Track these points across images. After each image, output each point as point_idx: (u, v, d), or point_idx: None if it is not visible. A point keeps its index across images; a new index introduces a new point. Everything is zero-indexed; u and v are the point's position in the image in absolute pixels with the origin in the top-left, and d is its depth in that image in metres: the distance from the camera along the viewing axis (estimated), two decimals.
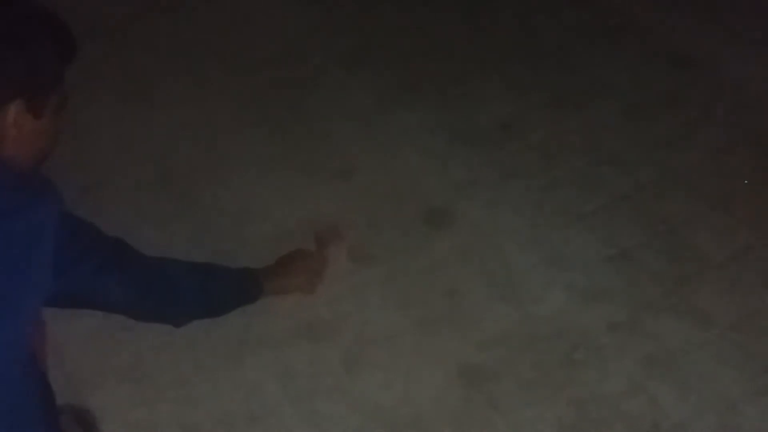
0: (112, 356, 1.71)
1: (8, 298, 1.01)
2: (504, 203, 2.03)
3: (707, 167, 2.11)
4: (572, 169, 2.11)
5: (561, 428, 1.59)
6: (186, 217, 2.00)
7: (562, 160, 2.14)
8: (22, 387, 1.08)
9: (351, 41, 2.57)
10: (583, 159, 2.14)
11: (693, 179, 2.07)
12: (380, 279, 1.86)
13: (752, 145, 2.17)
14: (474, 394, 1.65)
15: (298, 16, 2.68)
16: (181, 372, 1.69)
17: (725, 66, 2.41)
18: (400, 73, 2.43)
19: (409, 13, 2.68)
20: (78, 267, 1.17)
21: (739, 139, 2.19)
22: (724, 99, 2.31)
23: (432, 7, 2.71)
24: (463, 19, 2.65)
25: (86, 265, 1.19)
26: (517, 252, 1.92)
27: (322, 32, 2.61)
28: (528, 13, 2.66)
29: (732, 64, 2.42)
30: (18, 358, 1.06)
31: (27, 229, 1.01)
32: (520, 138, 2.21)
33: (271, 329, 1.76)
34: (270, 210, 2.02)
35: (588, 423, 1.59)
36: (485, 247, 1.93)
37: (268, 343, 1.74)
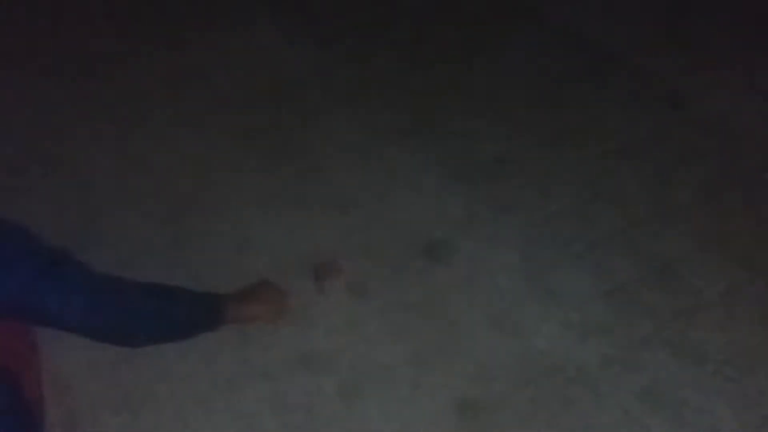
0: (109, 388, 1.70)
1: None
2: (499, 238, 2.05)
3: (699, 204, 2.14)
4: (567, 205, 2.14)
5: None
6: (184, 251, 2.01)
7: (557, 196, 2.17)
8: None
9: (348, 78, 2.61)
10: (577, 195, 2.17)
11: (685, 216, 2.11)
12: (377, 311, 1.87)
13: (742, 181, 2.21)
14: (470, 426, 1.65)
15: (296, 53, 2.73)
16: (179, 404, 1.68)
17: (713, 102, 2.47)
18: (395, 110, 2.47)
19: (405, 51, 2.73)
20: (13, 272, 1.14)
21: (730, 175, 2.23)
22: (714, 135, 2.35)
23: (427, 46, 2.76)
24: (458, 59, 2.70)
25: (21, 271, 1.15)
26: (513, 287, 1.93)
27: (320, 68, 2.65)
28: (518, 55, 2.71)
29: (719, 101, 2.48)
30: None
31: None
32: (514, 174, 2.24)
33: (268, 361, 1.76)
34: (268, 243, 2.03)
35: None
36: (481, 281, 1.95)
37: (265, 375, 1.74)
